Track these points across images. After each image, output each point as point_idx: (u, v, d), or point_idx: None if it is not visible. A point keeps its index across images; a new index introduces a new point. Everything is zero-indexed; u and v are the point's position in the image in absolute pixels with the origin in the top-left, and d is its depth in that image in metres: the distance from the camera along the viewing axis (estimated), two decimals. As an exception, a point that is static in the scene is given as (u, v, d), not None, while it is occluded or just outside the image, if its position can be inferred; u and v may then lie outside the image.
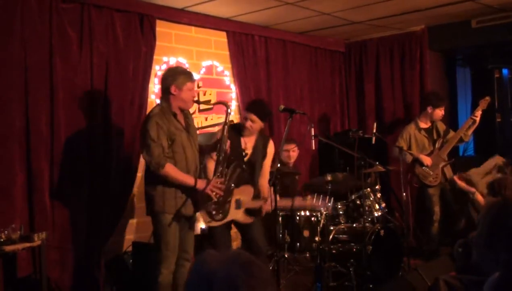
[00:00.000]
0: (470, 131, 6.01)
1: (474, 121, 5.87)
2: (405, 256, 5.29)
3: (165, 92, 3.97)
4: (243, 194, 4.45)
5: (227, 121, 4.09)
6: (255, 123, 4.43)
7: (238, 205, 4.42)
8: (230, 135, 4.18)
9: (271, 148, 4.67)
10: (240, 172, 4.16)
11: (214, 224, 4.29)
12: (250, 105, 4.56)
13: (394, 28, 7.06)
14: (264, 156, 4.61)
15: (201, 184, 3.92)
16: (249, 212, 4.48)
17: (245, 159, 4.47)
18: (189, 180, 3.89)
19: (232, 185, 4.10)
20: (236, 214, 4.42)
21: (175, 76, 3.95)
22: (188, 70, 4.07)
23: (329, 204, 5.06)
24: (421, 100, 6.38)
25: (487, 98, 5.93)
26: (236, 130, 4.49)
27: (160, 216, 3.92)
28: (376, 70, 7.48)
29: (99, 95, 4.84)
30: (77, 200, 4.66)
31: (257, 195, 4.57)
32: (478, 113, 5.84)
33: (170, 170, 3.82)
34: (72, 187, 4.64)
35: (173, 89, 3.92)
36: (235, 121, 6.18)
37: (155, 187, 3.90)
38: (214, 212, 4.08)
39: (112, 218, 4.92)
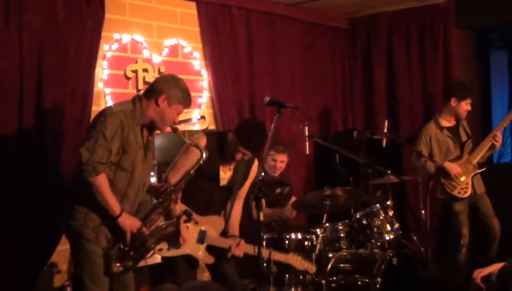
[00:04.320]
0: (487, 155, 6.11)
1: (493, 145, 5.96)
2: (424, 290, 5.31)
3: (151, 95, 3.98)
4: (211, 226, 4.47)
5: (191, 173, 4.07)
6: (247, 156, 4.45)
7: (202, 238, 4.42)
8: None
9: (254, 170, 4.68)
10: (171, 232, 4.14)
11: (168, 254, 4.31)
12: (242, 134, 4.39)
13: (412, -1, 7.12)
14: (244, 180, 4.62)
15: (125, 220, 3.86)
16: (212, 249, 4.47)
17: (223, 184, 4.50)
18: (115, 206, 3.83)
19: (152, 244, 4.05)
20: (195, 249, 4.42)
21: (174, 88, 3.99)
22: (190, 93, 4.08)
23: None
24: (444, 91, 6.43)
25: None
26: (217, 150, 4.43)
27: (82, 242, 3.87)
28: (389, 52, 7.53)
29: (31, 84, 4.79)
30: (1, 221, 4.63)
31: (226, 231, 4.59)
32: (499, 134, 5.92)
33: (102, 183, 3.77)
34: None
35: (162, 98, 3.95)
36: (206, 118, 6.18)
37: (81, 203, 3.86)
38: (114, 257, 3.92)
39: (46, 244, 4.88)
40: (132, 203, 3.98)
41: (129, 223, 3.87)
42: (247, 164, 4.61)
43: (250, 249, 4.46)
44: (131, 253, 3.93)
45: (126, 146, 3.86)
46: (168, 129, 4.10)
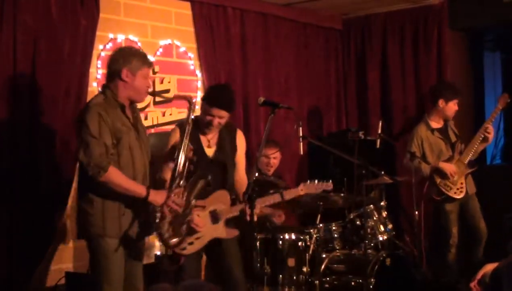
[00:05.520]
0: (480, 149, 6.11)
1: (486, 138, 5.97)
2: (417, 291, 5.34)
3: (113, 77, 3.96)
4: (218, 202, 4.42)
5: (189, 121, 4.09)
6: (224, 119, 4.43)
7: (216, 218, 4.40)
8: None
9: (240, 140, 4.68)
10: (203, 183, 4.15)
11: (186, 252, 4.26)
12: (213, 97, 4.44)
13: (406, 0, 7.12)
14: (234, 150, 4.62)
15: (155, 196, 3.91)
16: (230, 222, 4.47)
17: (211, 158, 4.48)
18: (139, 189, 3.87)
19: (193, 200, 4.09)
20: (215, 231, 4.39)
21: (129, 58, 3.95)
22: (144, 52, 4.07)
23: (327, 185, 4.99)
24: (431, 93, 6.43)
25: (506, 95, 6.00)
26: (193, 126, 4.40)
27: (99, 240, 3.88)
28: (382, 53, 7.55)
29: (24, 82, 4.81)
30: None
31: (235, 199, 4.56)
32: (490, 126, 5.90)
33: (114, 175, 3.79)
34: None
35: (124, 74, 3.92)
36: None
37: (92, 202, 3.86)
38: (167, 235, 3.99)
39: (40, 242, 4.87)
40: (142, 179, 3.98)
41: (160, 197, 3.91)
42: (229, 133, 4.60)
43: (264, 201, 4.60)
44: (178, 218, 3.98)
45: (117, 133, 3.86)
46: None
